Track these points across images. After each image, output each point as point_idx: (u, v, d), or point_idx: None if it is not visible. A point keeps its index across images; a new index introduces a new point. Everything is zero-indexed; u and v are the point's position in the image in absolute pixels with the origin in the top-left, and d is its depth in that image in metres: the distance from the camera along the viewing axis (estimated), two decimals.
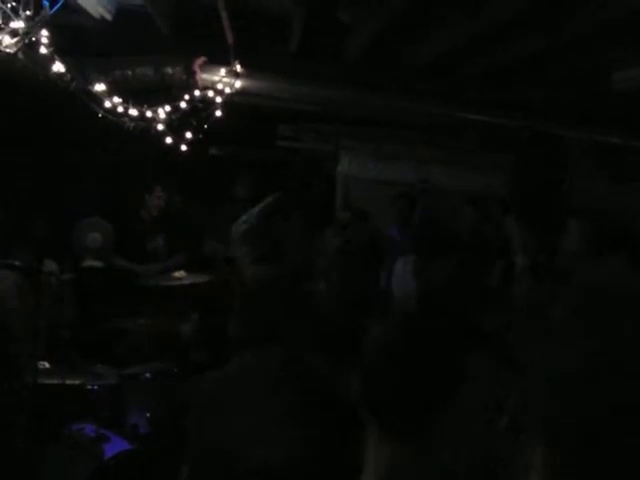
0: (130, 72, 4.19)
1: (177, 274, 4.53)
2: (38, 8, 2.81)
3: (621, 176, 5.16)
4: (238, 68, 4.42)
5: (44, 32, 2.94)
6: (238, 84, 4.44)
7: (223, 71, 4.39)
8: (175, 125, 3.97)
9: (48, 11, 2.81)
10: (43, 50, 3.01)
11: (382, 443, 1.26)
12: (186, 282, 4.38)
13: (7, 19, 2.73)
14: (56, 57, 3.07)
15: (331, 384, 1.00)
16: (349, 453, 0.91)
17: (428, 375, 1.26)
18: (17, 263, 3.04)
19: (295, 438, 0.84)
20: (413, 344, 1.30)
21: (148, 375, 3.49)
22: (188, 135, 4.08)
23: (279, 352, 1.30)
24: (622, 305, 0.56)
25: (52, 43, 3.03)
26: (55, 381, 2.97)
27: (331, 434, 0.89)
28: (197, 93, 4.20)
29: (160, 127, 3.90)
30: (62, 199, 5.08)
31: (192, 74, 4.33)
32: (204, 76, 4.39)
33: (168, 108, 3.94)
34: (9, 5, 2.71)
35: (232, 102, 4.45)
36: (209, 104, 4.27)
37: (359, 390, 1.33)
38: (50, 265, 3.60)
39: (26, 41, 2.81)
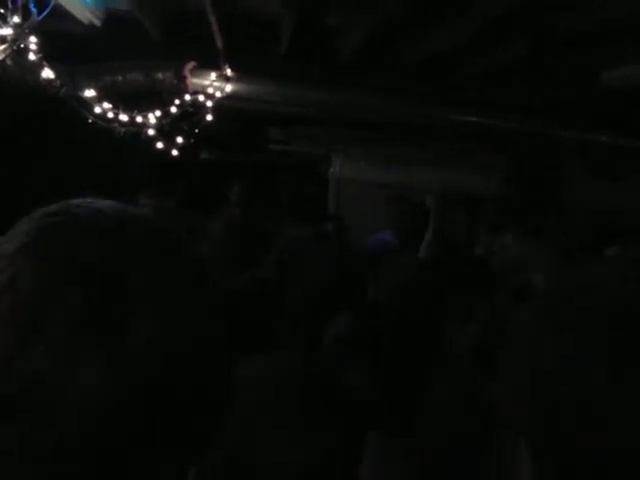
0: (120, 77, 4.18)
1: None
2: (26, 15, 2.81)
3: (613, 174, 5.17)
4: (228, 72, 4.42)
5: (32, 39, 2.94)
6: (229, 88, 4.44)
7: (213, 75, 4.39)
8: (166, 130, 3.97)
9: (36, 17, 2.80)
10: (32, 57, 3.00)
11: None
12: None
13: None
14: (45, 63, 3.07)
15: (337, 386, 1.02)
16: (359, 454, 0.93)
17: (405, 377, 1.30)
18: None
19: (313, 439, 0.84)
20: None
21: None
22: (179, 140, 4.07)
23: (287, 356, 1.31)
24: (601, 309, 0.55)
25: (41, 49, 3.02)
26: None
27: (345, 435, 0.90)
28: (188, 97, 4.20)
29: (151, 132, 3.89)
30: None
31: (182, 79, 4.32)
32: (194, 80, 4.39)
33: (158, 113, 3.94)
34: None
35: (223, 106, 4.45)
36: (200, 108, 4.26)
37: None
38: None
39: (14, 48, 2.81)
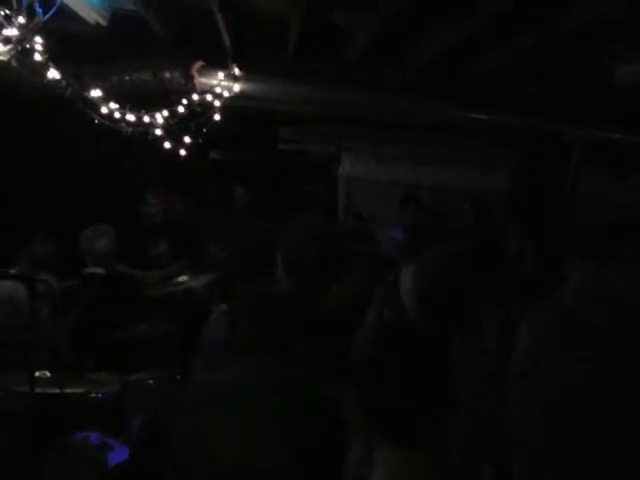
0: (128, 77, 4.17)
1: (180, 279, 4.52)
2: (31, 15, 2.80)
3: (621, 171, 5.10)
4: (236, 71, 4.40)
5: (38, 39, 2.93)
6: (237, 87, 4.42)
7: (221, 74, 4.37)
8: (173, 130, 3.95)
9: (41, 18, 2.80)
10: (37, 57, 2.99)
11: (387, 450, 1.27)
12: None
13: (0, 27, 2.72)
14: (50, 64, 3.06)
15: (317, 393, 0.99)
16: (330, 459, 0.90)
17: (421, 384, 1.26)
18: (14, 272, 3.01)
19: (280, 442, 0.83)
20: (404, 357, 1.31)
21: (151, 382, 3.46)
22: (187, 140, 4.05)
23: (271, 362, 1.29)
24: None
25: (47, 50, 3.01)
26: (57, 390, 2.95)
27: (315, 441, 0.88)
28: (195, 97, 4.18)
29: (158, 132, 3.88)
30: (63, 205, 5.07)
31: (190, 78, 4.30)
32: (202, 80, 4.37)
33: (166, 113, 3.92)
34: (2, 13, 2.70)
35: (231, 105, 4.43)
36: (208, 108, 4.24)
37: (357, 404, 1.31)
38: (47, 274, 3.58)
39: (19, 48, 2.80)
